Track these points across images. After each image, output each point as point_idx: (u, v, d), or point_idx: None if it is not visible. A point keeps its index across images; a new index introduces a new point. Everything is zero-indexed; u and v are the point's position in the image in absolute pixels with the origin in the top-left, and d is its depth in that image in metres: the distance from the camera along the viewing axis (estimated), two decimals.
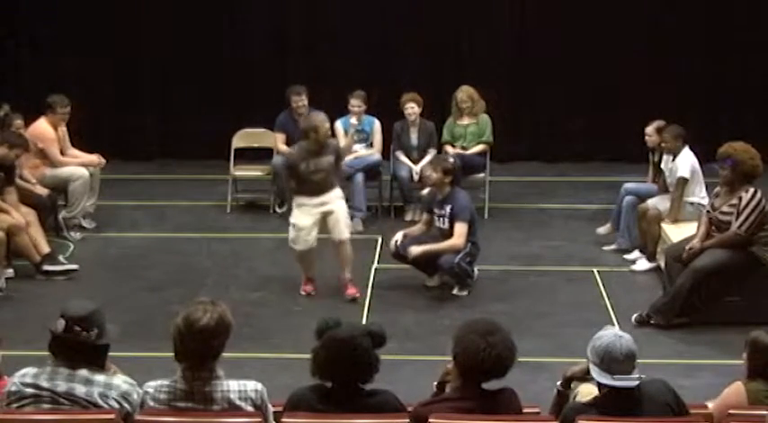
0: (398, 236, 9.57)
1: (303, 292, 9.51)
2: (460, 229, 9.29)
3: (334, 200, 9.44)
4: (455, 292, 9.50)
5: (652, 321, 8.71)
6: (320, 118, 9.47)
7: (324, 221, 9.40)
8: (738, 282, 8.73)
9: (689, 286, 8.62)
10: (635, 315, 8.79)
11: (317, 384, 4.87)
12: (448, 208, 9.36)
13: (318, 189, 9.35)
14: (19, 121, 10.71)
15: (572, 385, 5.30)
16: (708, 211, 8.99)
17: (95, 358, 4.84)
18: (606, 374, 4.79)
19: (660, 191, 10.32)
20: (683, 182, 9.92)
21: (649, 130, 10.60)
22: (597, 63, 13.41)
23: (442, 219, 9.44)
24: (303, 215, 9.39)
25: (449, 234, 9.34)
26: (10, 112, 10.95)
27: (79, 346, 4.79)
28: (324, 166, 9.34)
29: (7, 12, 13.51)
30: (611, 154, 13.25)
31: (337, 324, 4.91)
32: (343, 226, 9.40)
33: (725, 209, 8.70)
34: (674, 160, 10.09)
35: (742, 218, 8.57)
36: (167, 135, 13.83)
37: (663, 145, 10.26)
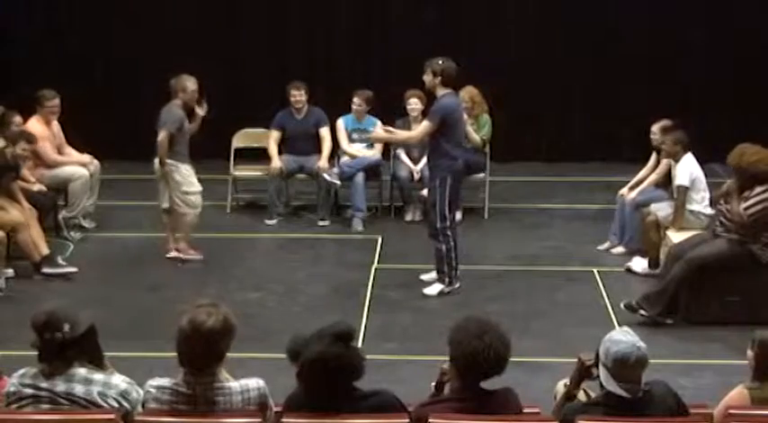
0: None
1: (191, 255, 10.15)
2: (421, 127, 9.40)
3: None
4: (426, 290, 9.34)
5: (641, 311, 8.66)
6: (189, 79, 10.09)
7: None
8: (734, 279, 8.73)
9: (681, 276, 8.63)
10: (624, 301, 8.77)
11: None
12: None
13: (188, 154, 10.05)
14: (18, 118, 10.63)
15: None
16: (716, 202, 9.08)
17: (85, 350, 4.80)
18: (613, 381, 4.81)
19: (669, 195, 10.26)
20: (683, 190, 9.77)
21: (655, 128, 10.51)
22: (598, 63, 13.41)
23: None
24: (193, 178, 10.09)
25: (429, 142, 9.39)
26: (6, 110, 10.84)
27: (61, 347, 4.74)
28: (192, 130, 10.19)
29: (6, 10, 13.52)
30: (611, 154, 13.23)
31: (304, 342, 4.80)
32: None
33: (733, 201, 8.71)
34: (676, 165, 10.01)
35: (751, 202, 8.58)
36: None
37: (662, 148, 10.19)
